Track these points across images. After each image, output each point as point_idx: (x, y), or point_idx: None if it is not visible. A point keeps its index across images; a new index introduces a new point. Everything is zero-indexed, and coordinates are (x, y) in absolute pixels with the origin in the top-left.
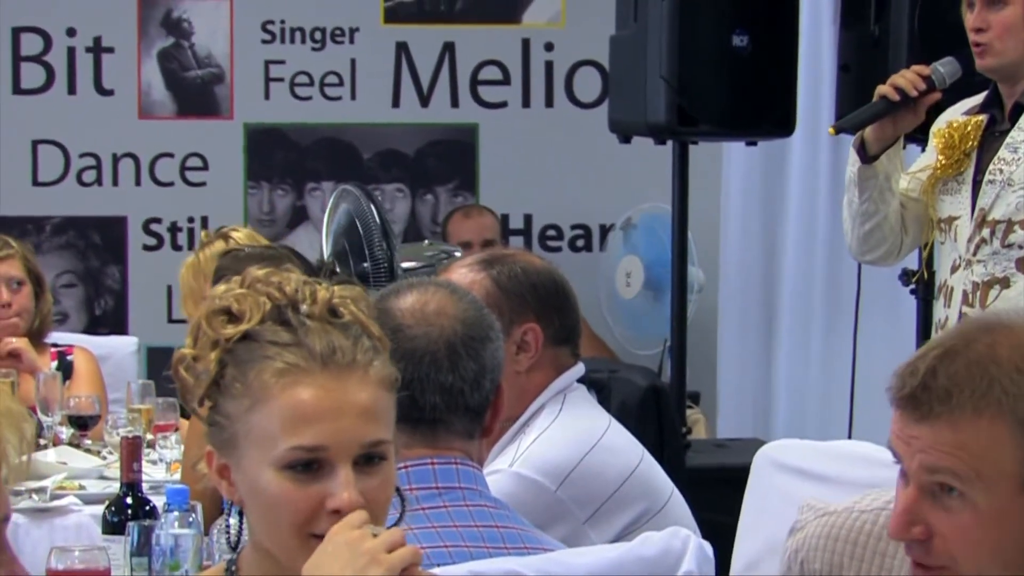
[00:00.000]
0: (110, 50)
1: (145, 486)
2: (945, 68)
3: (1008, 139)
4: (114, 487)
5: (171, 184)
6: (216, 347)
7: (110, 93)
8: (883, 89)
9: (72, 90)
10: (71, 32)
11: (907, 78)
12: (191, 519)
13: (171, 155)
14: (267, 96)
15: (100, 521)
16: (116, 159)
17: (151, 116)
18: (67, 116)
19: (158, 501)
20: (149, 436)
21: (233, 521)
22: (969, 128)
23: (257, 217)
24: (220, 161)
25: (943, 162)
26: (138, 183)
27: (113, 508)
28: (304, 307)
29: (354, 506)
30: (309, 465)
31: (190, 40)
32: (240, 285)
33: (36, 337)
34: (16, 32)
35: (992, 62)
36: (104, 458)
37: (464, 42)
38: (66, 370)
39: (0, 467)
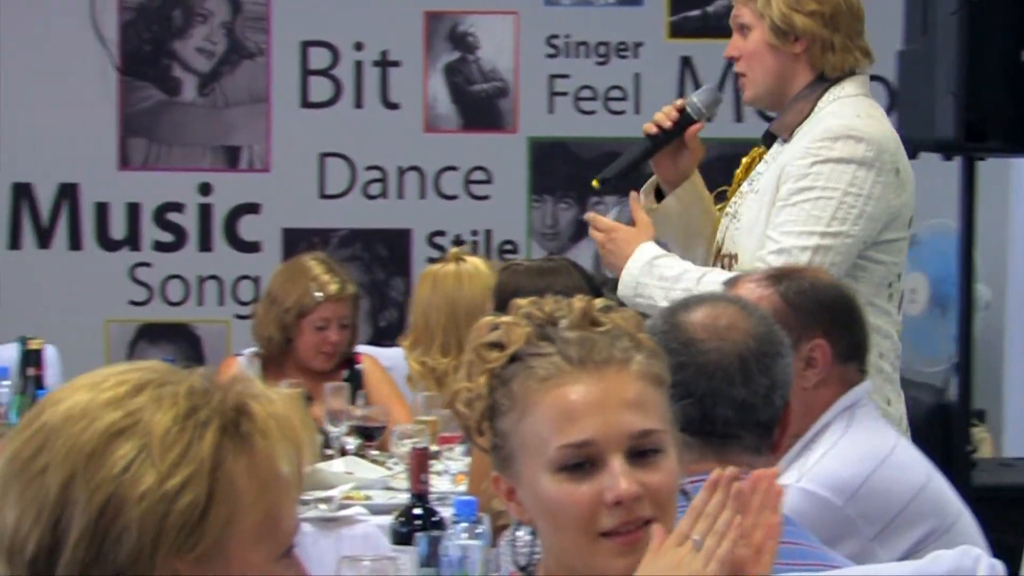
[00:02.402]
0: (396, 64)
1: (431, 497)
2: (700, 97)
3: (753, 172)
4: (399, 498)
5: (455, 197)
6: (485, 374)
7: (396, 107)
8: (645, 126)
9: (359, 104)
10: (358, 46)
11: (663, 111)
12: (479, 530)
13: (456, 168)
14: (551, 110)
15: (387, 531)
16: (401, 172)
17: (436, 130)
18: (354, 129)
19: (444, 512)
20: (434, 448)
21: (526, 536)
22: (747, 158)
23: (540, 230)
24: (504, 174)
25: (727, 193)
26: (423, 196)
27: (402, 519)
28: (563, 321)
29: (633, 495)
30: (582, 464)
31: (476, 54)
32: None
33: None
34: (305, 46)
35: (748, 94)
36: (390, 469)
37: None
38: (357, 378)
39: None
